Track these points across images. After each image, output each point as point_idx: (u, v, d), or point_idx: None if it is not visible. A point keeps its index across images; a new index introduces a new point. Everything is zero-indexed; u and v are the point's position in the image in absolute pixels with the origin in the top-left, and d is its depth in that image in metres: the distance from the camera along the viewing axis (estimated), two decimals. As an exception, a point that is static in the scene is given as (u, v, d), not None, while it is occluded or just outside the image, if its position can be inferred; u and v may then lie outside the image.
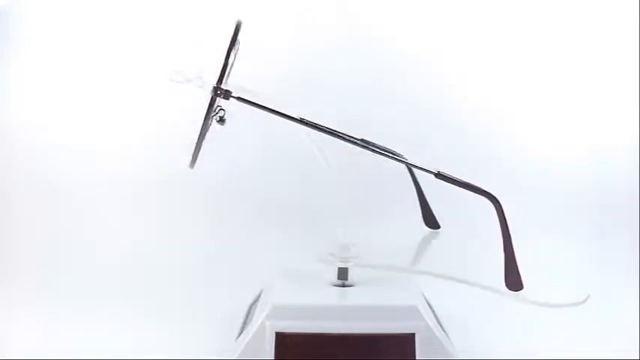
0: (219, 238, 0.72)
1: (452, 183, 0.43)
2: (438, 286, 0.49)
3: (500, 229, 0.44)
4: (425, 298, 0.47)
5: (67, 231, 0.71)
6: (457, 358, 0.42)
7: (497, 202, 0.43)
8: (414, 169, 0.48)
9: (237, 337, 0.44)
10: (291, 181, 0.75)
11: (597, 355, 0.46)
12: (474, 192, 0.43)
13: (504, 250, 0.44)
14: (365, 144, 0.44)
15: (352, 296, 0.44)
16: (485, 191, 0.43)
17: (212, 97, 0.43)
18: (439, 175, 0.43)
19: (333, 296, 0.44)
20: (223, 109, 0.44)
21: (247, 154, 0.75)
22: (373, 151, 0.44)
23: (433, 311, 0.46)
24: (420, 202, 0.53)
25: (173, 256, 0.68)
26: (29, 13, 0.79)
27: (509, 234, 0.44)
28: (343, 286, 0.45)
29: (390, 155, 0.45)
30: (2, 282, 0.61)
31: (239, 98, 0.44)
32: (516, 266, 0.45)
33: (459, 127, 0.79)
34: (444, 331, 0.44)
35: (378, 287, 0.46)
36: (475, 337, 0.48)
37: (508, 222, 0.43)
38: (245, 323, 0.46)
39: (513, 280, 0.45)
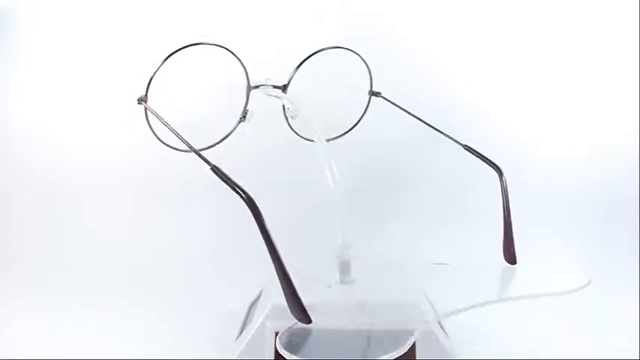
0: (219, 237, 0.72)
1: (223, 181, 0.38)
2: (438, 286, 0.49)
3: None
4: (426, 297, 0.47)
5: (67, 230, 0.71)
6: (457, 358, 0.42)
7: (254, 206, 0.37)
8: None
9: (237, 337, 0.44)
10: (293, 180, 0.75)
11: (597, 355, 0.46)
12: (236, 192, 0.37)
13: None
14: (467, 149, 0.48)
15: (352, 296, 0.44)
16: (240, 191, 0.37)
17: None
18: (213, 169, 0.38)
19: (333, 296, 0.44)
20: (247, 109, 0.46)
21: (248, 153, 0.75)
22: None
23: (434, 310, 0.46)
24: (505, 232, 0.50)
25: (173, 256, 0.68)
26: (29, 13, 0.79)
27: (279, 260, 0.36)
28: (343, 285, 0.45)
29: (488, 162, 0.48)
30: (2, 281, 0.61)
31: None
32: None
33: (458, 126, 0.79)
34: (444, 331, 0.44)
35: (377, 287, 0.45)
36: (475, 336, 0.48)
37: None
38: (245, 323, 0.46)
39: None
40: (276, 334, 0.41)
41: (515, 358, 0.45)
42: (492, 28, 0.80)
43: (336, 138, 0.49)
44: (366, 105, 0.50)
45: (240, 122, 0.47)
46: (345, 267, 0.45)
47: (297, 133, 0.48)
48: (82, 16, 0.79)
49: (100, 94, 0.78)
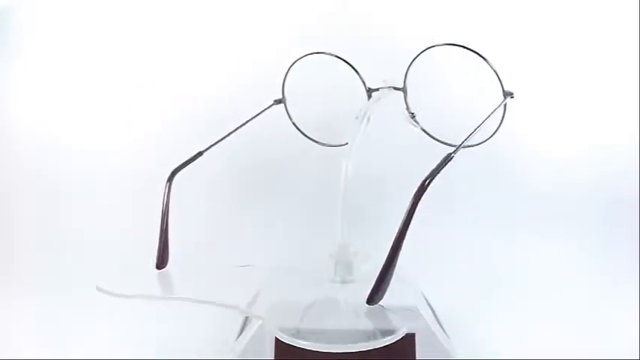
0: (219, 237, 0.72)
1: None
2: (438, 286, 0.49)
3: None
4: (425, 298, 0.47)
5: (67, 230, 0.71)
6: (457, 358, 0.42)
7: None
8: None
9: (237, 337, 0.44)
10: (293, 180, 0.75)
11: (597, 355, 0.46)
12: None
13: None
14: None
15: (352, 296, 0.44)
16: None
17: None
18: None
19: (333, 295, 0.44)
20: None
21: (248, 153, 0.75)
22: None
23: (433, 311, 0.46)
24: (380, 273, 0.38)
25: (173, 255, 0.68)
26: (29, 12, 0.79)
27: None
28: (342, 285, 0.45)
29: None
30: (2, 282, 0.61)
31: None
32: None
33: (458, 125, 0.79)
34: (444, 331, 0.44)
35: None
36: (475, 336, 0.48)
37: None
38: (245, 323, 0.46)
39: None
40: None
41: (515, 358, 0.45)
42: (493, 27, 0.80)
43: (478, 144, 0.47)
44: (503, 108, 0.46)
45: (362, 123, 0.47)
46: (344, 267, 0.45)
47: (427, 133, 0.48)
48: (82, 16, 0.79)
49: (100, 94, 0.78)
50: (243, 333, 0.44)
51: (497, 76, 0.45)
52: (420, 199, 0.37)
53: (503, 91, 0.46)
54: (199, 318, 0.52)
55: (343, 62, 0.48)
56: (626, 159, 0.78)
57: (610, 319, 0.53)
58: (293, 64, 0.50)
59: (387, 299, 0.43)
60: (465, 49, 0.46)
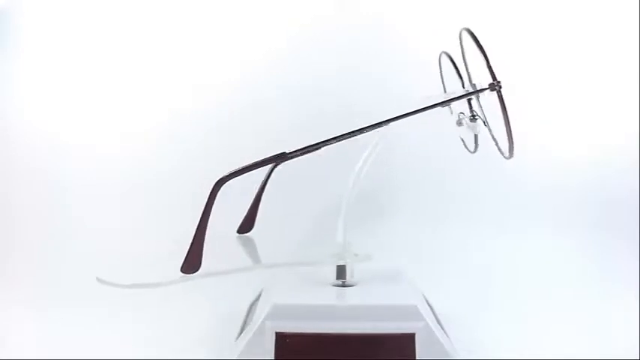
0: (219, 238, 0.71)
1: None
2: (438, 286, 0.49)
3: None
4: (425, 298, 0.47)
5: (66, 230, 0.71)
6: (457, 358, 0.42)
7: None
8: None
9: (237, 337, 0.44)
10: (293, 180, 0.75)
11: (597, 355, 0.46)
12: None
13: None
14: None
15: (352, 296, 0.44)
16: None
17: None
18: None
19: (333, 296, 0.44)
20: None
21: (248, 153, 0.75)
22: None
23: (433, 311, 0.46)
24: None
25: (173, 255, 0.68)
26: (29, 12, 0.79)
27: None
28: (343, 285, 0.45)
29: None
30: (2, 282, 0.61)
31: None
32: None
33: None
34: (444, 331, 0.44)
35: (377, 287, 0.46)
36: (475, 336, 0.48)
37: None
38: (245, 323, 0.46)
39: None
40: (277, 334, 0.41)
41: (515, 358, 0.45)
42: (493, 28, 0.80)
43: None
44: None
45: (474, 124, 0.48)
46: (345, 268, 0.45)
47: (493, 138, 0.48)
48: (81, 17, 0.79)
49: (100, 94, 0.78)
50: (243, 333, 0.44)
51: (489, 68, 0.46)
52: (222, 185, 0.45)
53: (494, 81, 0.46)
54: (200, 318, 0.52)
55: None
56: (626, 159, 0.78)
57: (610, 319, 0.53)
58: (440, 59, 0.52)
59: (387, 299, 0.44)
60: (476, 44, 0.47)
